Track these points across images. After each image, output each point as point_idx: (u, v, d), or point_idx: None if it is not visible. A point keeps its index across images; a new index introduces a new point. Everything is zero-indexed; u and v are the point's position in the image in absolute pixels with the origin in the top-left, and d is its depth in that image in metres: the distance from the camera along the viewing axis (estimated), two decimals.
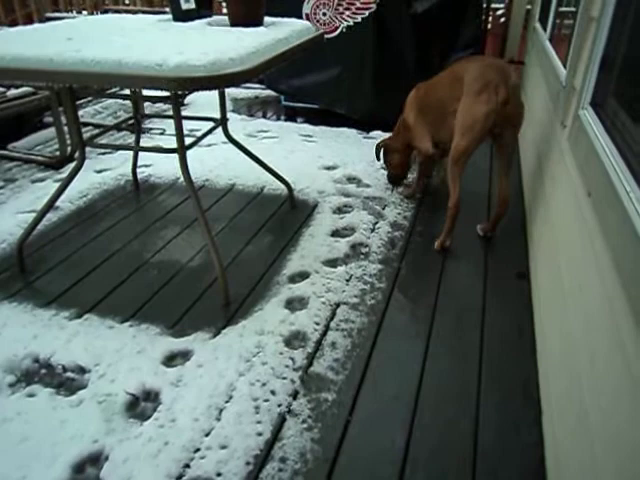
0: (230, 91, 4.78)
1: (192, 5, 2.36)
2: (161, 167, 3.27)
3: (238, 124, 4.15)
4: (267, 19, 2.38)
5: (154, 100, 3.36)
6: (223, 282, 2.08)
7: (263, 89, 4.81)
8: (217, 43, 1.86)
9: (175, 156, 2.07)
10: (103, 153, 3.51)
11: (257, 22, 2.28)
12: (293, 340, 1.90)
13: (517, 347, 1.91)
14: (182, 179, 2.10)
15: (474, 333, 1.97)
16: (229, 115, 4.53)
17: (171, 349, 1.84)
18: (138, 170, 3.14)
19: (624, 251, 1.10)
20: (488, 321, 2.03)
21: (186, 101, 4.58)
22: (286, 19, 2.49)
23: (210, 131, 2.40)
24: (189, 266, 2.35)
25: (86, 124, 3.81)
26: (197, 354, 1.81)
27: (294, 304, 2.09)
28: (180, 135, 2.04)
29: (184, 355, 1.82)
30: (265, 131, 4.03)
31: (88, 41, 1.90)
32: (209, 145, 3.51)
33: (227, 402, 1.63)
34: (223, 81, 1.63)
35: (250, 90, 5.02)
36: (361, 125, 3.97)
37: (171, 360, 1.80)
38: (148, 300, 2.11)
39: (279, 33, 2.12)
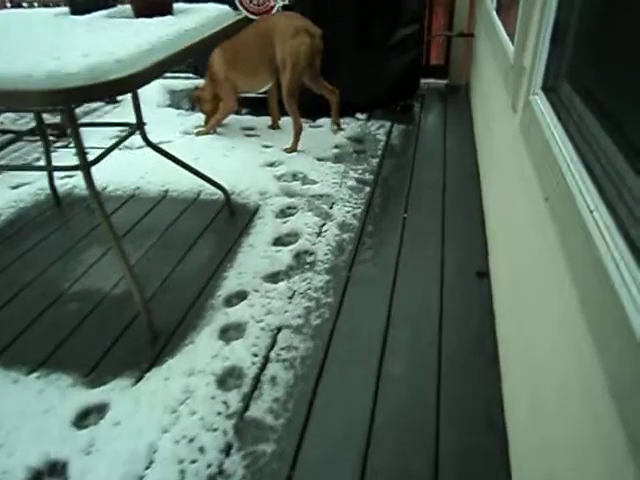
0: (166, 83, 4.42)
1: None
2: None
3: (175, 120, 3.84)
4: (179, 5, 2.10)
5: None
6: (147, 317, 1.82)
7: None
8: (107, 40, 1.57)
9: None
10: None
11: (165, 11, 1.99)
12: (227, 379, 1.66)
13: (478, 363, 1.71)
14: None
15: (432, 351, 1.76)
16: (165, 110, 4.23)
17: (85, 403, 1.59)
18: (60, 182, 2.84)
19: (585, 274, 0.89)
20: (446, 334, 1.83)
21: (119, 98, 4.22)
22: (202, 5, 2.20)
23: (122, 141, 2.09)
24: (112, 294, 2.08)
25: None
26: (114, 408, 1.56)
27: (229, 333, 1.85)
28: (81, 150, 1.76)
29: (100, 410, 1.57)
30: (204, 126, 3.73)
31: None
32: (140, 147, 3.18)
33: (147, 469, 1.39)
34: (107, 90, 1.35)
35: (189, 81, 4.65)
36: (306, 112, 3.69)
37: (83, 419, 1.55)
38: (62, 342, 1.84)
39: (188, 23, 1.84)
